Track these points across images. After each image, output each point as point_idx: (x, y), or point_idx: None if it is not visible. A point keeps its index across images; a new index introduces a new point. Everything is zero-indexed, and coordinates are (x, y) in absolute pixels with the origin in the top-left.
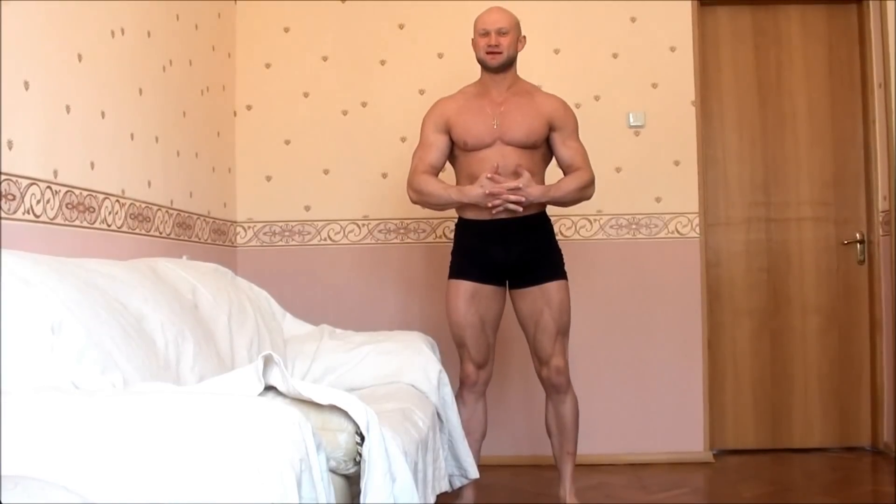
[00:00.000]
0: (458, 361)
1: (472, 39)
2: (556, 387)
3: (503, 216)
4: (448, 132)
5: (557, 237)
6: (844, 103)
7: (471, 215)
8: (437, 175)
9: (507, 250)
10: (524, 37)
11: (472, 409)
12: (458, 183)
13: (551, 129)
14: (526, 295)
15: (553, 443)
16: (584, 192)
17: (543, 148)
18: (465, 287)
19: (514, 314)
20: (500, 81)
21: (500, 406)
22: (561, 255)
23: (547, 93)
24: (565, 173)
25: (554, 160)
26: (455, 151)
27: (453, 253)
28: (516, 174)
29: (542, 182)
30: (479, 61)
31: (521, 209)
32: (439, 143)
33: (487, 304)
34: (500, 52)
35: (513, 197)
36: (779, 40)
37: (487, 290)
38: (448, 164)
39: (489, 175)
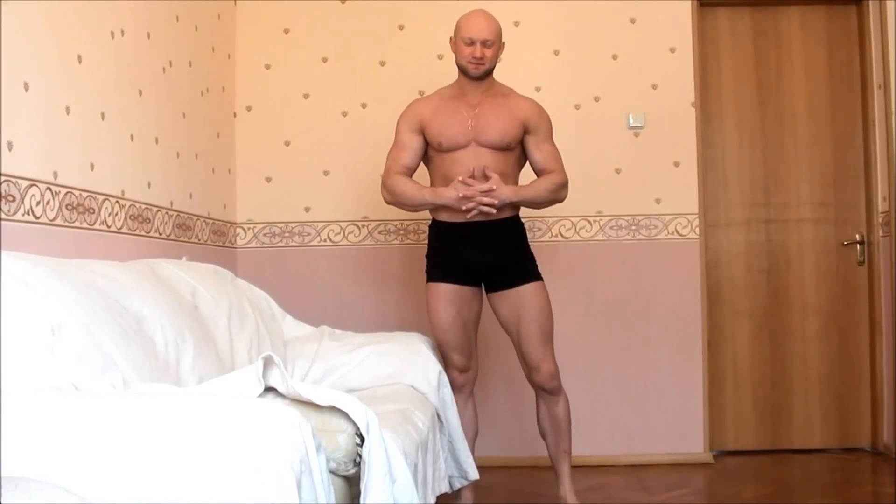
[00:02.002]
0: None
1: (453, 39)
2: (549, 391)
3: (478, 219)
4: (422, 133)
5: (557, 238)
6: (844, 104)
7: (444, 217)
8: (411, 176)
9: (482, 252)
10: (503, 43)
11: (462, 410)
12: (432, 184)
13: (525, 131)
14: (503, 298)
15: (548, 443)
16: (557, 193)
17: (518, 150)
18: (444, 289)
19: (493, 316)
20: (477, 85)
21: (497, 407)
22: (534, 257)
23: (522, 95)
24: (538, 175)
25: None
26: (430, 152)
27: (428, 256)
28: (486, 177)
29: (517, 183)
30: (460, 67)
31: (494, 211)
32: (413, 144)
33: (468, 306)
34: (483, 64)
35: (486, 199)
36: (779, 41)
37: (466, 291)
38: (423, 166)
39: (461, 178)
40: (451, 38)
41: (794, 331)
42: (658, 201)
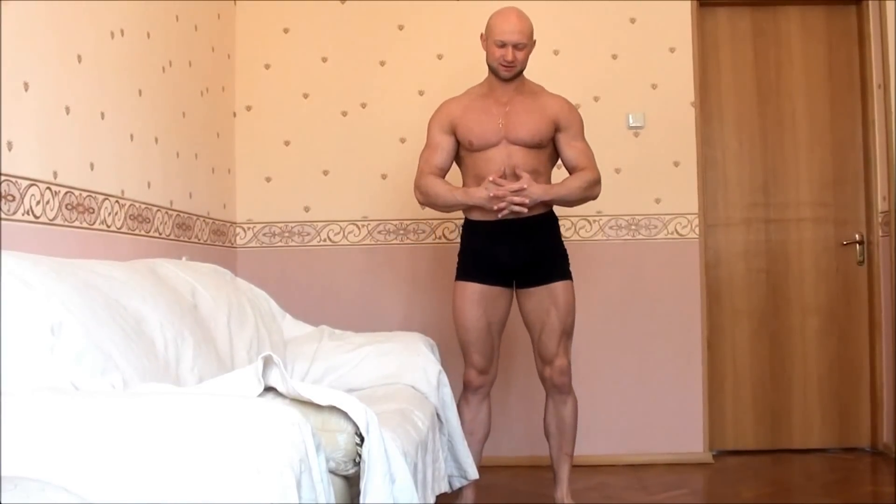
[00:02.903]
0: (460, 362)
1: (483, 37)
2: (559, 387)
3: (509, 217)
4: (453, 133)
5: None
6: (844, 104)
7: (477, 216)
8: (443, 176)
9: (514, 251)
10: (535, 41)
11: (476, 409)
12: (464, 183)
13: (557, 129)
14: (532, 294)
15: (551, 444)
16: (590, 191)
17: (549, 148)
18: (472, 289)
19: (518, 314)
20: (507, 84)
21: (500, 407)
22: (567, 254)
23: (552, 93)
24: (570, 173)
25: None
26: (461, 152)
27: (460, 254)
28: (516, 176)
29: (548, 180)
30: (491, 68)
31: (525, 210)
32: (445, 144)
33: (495, 306)
34: (514, 67)
35: (517, 199)
36: (778, 41)
37: (495, 291)
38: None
39: (492, 178)
40: (481, 35)
41: (793, 331)
42: (658, 201)
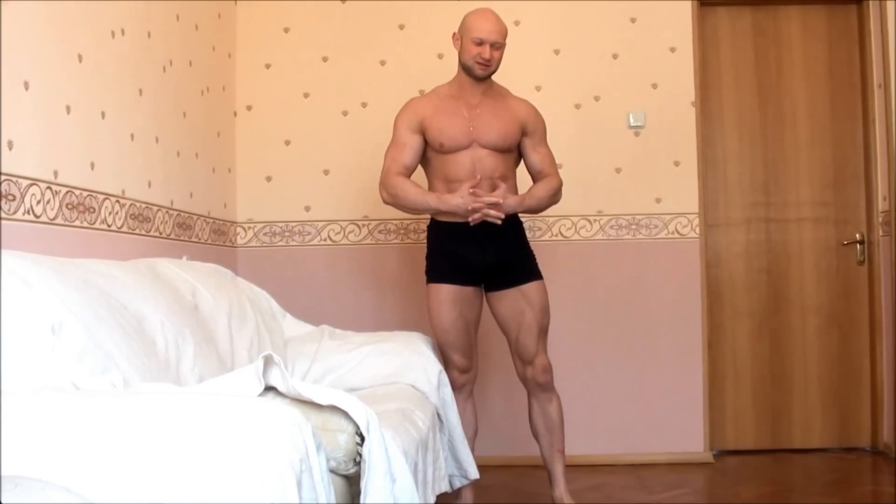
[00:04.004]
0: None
1: (457, 36)
2: (543, 385)
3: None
4: (422, 132)
5: (557, 238)
6: (844, 103)
7: (445, 217)
8: (410, 176)
9: (483, 253)
10: (505, 43)
11: (462, 409)
12: (430, 185)
13: (523, 133)
14: (505, 297)
15: (542, 443)
16: (555, 198)
17: (515, 152)
18: (446, 290)
19: (491, 316)
20: (477, 85)
21: (496, 407)
22: (534, 255)
23: (517, 96)
24: (534, 178)
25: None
26: (429, 153)
27: (428, 256)
28: (493, 186)
29: (515, 184)
30: (464, 66)
31: (499, 222)
32: (413, 143)
33: (470, 306)
34: (489, 66)
35: (493, 212)
36: (779, 40)
37: (468, 291)
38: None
39: (471, 189)
40: (454, 34)
41: (794, 330)
42: (658, 201)
